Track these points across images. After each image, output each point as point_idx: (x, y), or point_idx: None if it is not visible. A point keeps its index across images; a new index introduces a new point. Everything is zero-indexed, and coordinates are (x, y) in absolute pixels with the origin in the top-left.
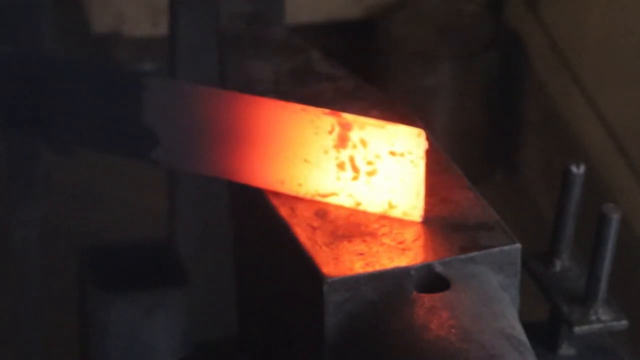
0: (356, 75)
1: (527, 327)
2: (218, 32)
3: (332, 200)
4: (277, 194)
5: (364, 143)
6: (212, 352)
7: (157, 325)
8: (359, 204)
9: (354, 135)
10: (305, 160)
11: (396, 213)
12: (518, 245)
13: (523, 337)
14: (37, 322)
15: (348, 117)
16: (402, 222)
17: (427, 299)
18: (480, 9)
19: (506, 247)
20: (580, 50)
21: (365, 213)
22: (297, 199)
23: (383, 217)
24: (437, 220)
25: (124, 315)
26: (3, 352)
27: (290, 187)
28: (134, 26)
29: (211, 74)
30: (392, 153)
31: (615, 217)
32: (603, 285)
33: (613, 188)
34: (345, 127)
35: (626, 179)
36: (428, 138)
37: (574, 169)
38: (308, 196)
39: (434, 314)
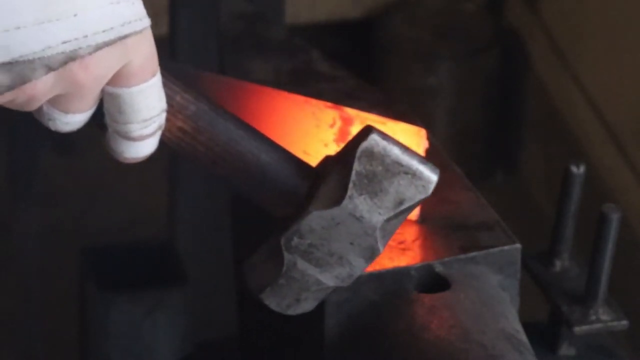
0: (356, 75)
1: (527, 327)
2: (218, 32)
3: None
4: None
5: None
6: (212, 352)
7: (157, 325)
8: None
9: (355, 130)
10: (305, 152)
11: None
12: (518, 245)
13: (523, 337)
14: (37, 322)
15: (350, 111)
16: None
17: (427, 299)
18: (480, 9)
19: (506, 247)
20: (580, 50)
21: None
22: None
23: None
24: (437, 220)
25: (124, 315)
26: (3, 352)
27: None
28: None
29: None
30: None
31: (615, 217)
32: (603, 285)
33: (613, 188)
34: (347, 121)
35: (626, 179)
36: (428, 137)
37: (574, 169)
38: None
39: (434, 314)
